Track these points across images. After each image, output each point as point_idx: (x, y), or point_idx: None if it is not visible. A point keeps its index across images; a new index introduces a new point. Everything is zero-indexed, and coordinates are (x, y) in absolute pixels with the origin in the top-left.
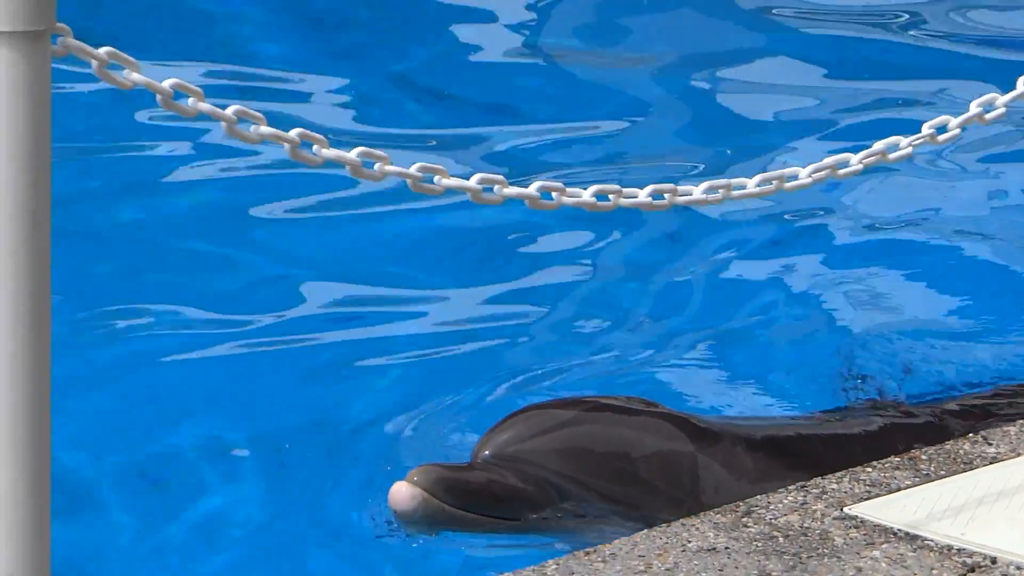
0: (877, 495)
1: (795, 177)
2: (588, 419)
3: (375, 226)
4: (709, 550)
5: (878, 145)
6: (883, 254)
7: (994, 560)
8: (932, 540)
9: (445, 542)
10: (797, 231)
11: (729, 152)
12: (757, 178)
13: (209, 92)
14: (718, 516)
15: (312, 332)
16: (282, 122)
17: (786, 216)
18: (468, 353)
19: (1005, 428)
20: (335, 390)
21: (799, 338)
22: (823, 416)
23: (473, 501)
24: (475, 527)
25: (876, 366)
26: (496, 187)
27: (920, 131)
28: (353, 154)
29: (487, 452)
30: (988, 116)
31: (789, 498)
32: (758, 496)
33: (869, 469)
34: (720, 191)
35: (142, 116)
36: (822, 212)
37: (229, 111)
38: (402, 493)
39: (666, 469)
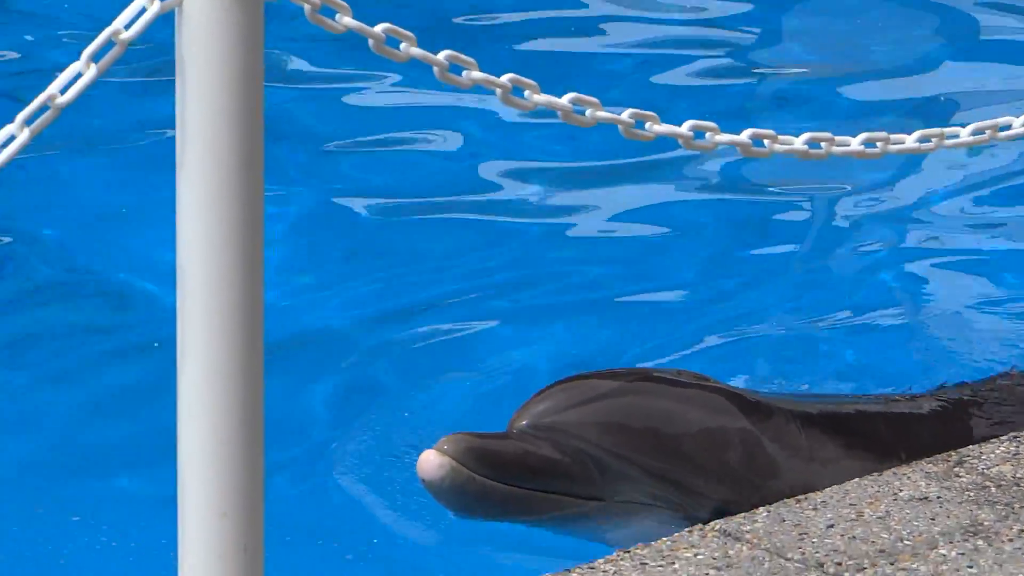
0: None
1: (955, 136)
2: (634, 390)
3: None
4: (921, 499)
5: None
6: (968, 236)
7: None
8: None
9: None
10: (870, 212)
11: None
12: (917, 134)
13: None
14: (929, 465)
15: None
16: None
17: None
18: (508, 325)
19: None
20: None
21: (867, 319)
22: (887, 398)
23: (506, 472)
24: (508, 500)
25: (948, 353)
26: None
27: None
28: (564, 99)
29: (524, 422)
30: None
31: (1001, 448)
32: (970, 446)
33: None
34: (879, 144)
35: None
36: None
37: (440, 56)
38: (430, 462)
39: (715, 446)
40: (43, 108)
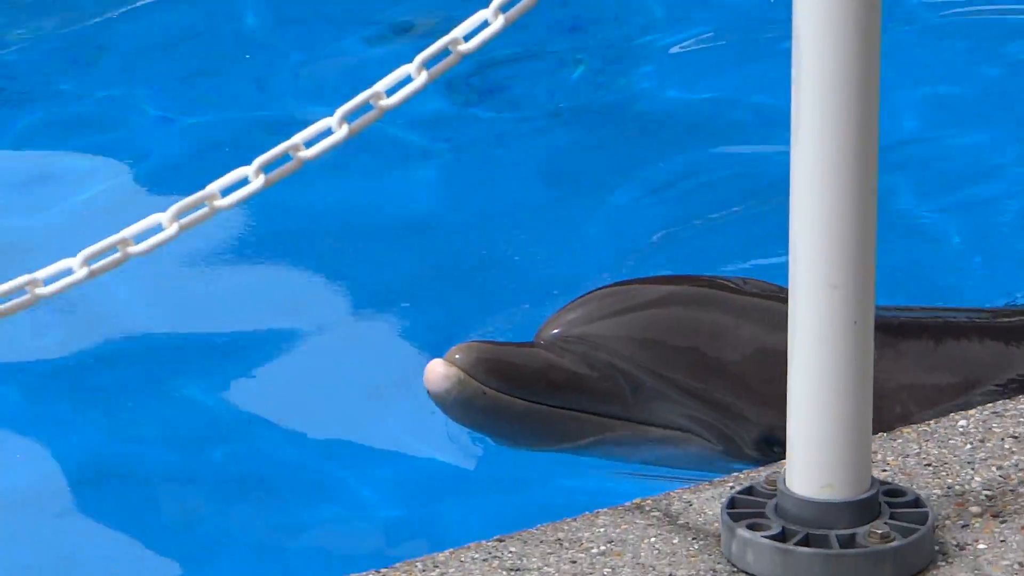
0: None
1: None
2: (678, 299)
3: None
4: None
5: None
6: None
7: None
8: None
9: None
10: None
11: None
12: None
13: None
14: None
15: None
16: None
17: None
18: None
19: None
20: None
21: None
22: (983, 312)
23: (522, 386)
24: (524, 417)
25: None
26: None
27: None
28: None
29: (551, 331)
30: None
31: None
32: None
33: None
34: None
35: None
36: None
37: None
38: (436, 372)
39: (767, 366)
40: (367, 107)
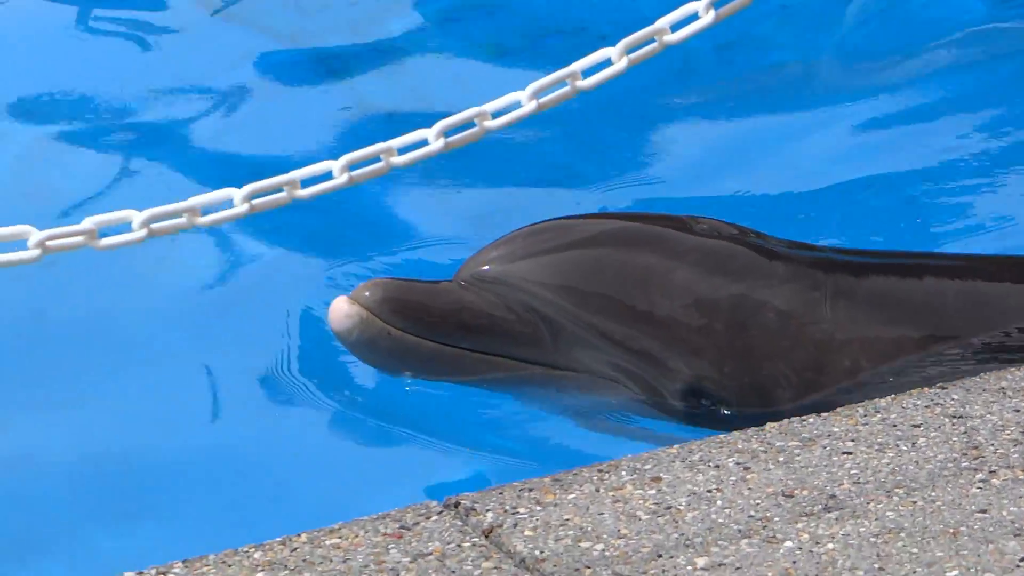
0: None
1: None
2: (609, 240)
3: None
4: None
5: None
6: None
7: None
8: None
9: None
10: None
11: None
12: None
13: None
14: None
15: None
16: None
17: None
18: None
19: None
20: None
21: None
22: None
23: (430, 327)
24: (434, 359)
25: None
26: None
27: None
28: None
29: (472, 270)
30: None
31: None
32: None
33: None
34: None
35: None
36: None
37: None
38: (338, 310)
39: (700, 311)
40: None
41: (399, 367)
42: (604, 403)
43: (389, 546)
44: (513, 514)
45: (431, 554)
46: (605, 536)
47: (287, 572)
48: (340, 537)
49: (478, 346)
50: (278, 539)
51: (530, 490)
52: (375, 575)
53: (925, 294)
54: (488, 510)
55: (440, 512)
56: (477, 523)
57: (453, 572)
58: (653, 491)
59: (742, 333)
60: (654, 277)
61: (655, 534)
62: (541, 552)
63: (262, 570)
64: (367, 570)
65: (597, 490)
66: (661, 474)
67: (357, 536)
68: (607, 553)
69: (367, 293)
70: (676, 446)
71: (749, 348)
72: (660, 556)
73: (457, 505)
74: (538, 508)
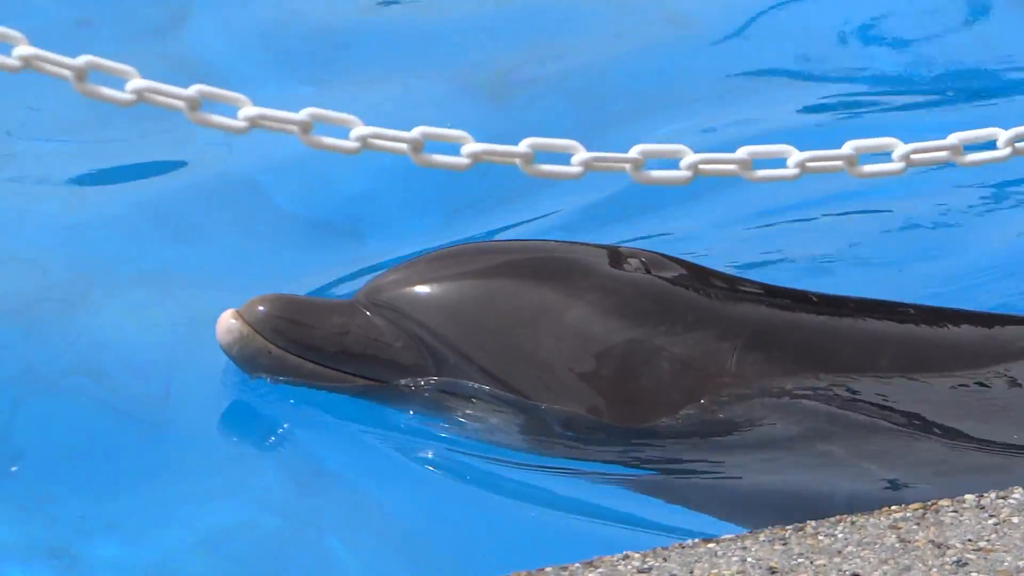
0: None
1: None
2: (512, 270)
3: None
4: None
5: None
6: None
7: None
8: None
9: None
10: None
11: None
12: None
13: None
14: None
15: None
16: None
17: None
18: None
19: None
20: None
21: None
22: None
23: (312, 348)
24: (313, 379)
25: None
26: None
27: None
28: None
29: (369, 292)
30: None
31: None
32: None
33: None
34: None
35: None
36: None
37: None
38: (222, 324)
39: (580, 355)
40: None
41: (274, 378)
42: (480, 430)
43: None
44: None
45: None
46: None
47: None
48: None
49: (358, 371)
50: None
51: None
52: None
53: (848, 350)
54: None
55: None
56: None
57: None
58: None
59: (630, 382)
60: (544, 314)
61: None
62: None
63: None
64: None
65: None
66: None
67: None
68: None
69: (254, 309)
70: None
71: (635, 399)
72: None
73: None
74: None
